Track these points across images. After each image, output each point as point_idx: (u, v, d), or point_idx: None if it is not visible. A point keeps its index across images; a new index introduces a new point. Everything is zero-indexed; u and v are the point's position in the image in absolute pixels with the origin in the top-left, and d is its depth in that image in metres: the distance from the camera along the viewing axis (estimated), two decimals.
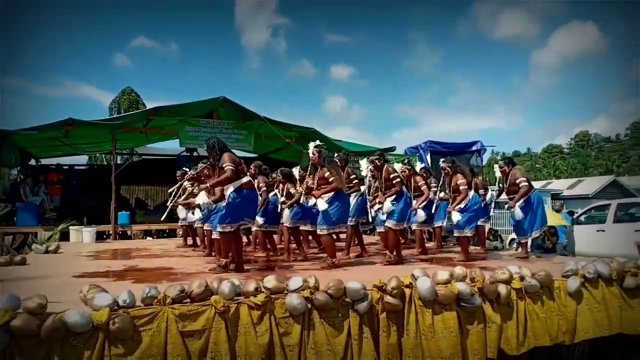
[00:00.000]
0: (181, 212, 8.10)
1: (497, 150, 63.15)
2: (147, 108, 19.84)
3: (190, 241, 8.53)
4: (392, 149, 13.99)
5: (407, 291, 3.77)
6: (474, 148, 14.66)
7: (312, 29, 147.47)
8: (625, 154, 65.53)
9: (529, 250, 6.89)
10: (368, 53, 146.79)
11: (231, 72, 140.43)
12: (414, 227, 7.22)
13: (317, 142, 5.78)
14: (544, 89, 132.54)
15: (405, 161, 13.47)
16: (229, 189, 5.00)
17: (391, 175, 5.94)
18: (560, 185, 31.87)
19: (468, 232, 6.21)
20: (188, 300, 3.27)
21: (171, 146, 14.68)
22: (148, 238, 11.53)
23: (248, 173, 5.29)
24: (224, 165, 4.93)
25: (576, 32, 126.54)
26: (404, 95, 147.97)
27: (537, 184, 31.18)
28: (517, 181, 6.50)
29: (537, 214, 6.46)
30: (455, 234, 6.48)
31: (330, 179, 5.43)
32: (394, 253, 5.87)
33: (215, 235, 5.61)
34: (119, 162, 14.49)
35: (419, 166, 8.07)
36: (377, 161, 6.08)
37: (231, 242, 5.13)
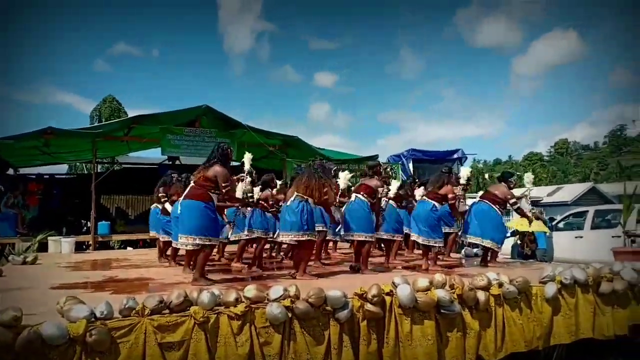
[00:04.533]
0: None
1: (478, 157, 64.04)
2: (128, 116, 19.73)
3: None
4: (375, 157, 14.06)
5: (388, 299, 3.79)
6: (455, 156, 14.87)
7: (297, 35, 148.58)
8: (604, 161, 66.85)
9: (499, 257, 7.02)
10: (352, 59, 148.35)
11: (214, 78, 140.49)
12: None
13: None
14: (525, 96, 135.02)
15: (388, 169, 13.64)
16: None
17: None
18: (540, 192, 32.31)
19: (436, 242, 6.28)
20: (167, 311, 3.25)
21: (153, 155, 14.60)
22: (129, 248, 11.39)
23: None
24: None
25: (557, 39, 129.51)
26: (388, 101, 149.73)
27: (517, 191, 31.54)
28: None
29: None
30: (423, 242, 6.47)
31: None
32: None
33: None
34: (99, 171, 14.33)
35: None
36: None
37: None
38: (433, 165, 14.50)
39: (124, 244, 12.62)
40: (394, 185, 7.45)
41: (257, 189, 6.46)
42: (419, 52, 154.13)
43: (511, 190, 6.65)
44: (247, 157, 6.17)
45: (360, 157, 13.79)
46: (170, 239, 6.95)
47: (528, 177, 7.48)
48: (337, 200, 6.06)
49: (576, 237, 10.08)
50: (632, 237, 7.86)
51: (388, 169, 13.47)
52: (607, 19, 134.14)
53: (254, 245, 6.57)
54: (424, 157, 14.77)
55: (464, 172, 7.53)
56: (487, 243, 6.52)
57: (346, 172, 6.40)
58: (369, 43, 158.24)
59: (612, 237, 8.76)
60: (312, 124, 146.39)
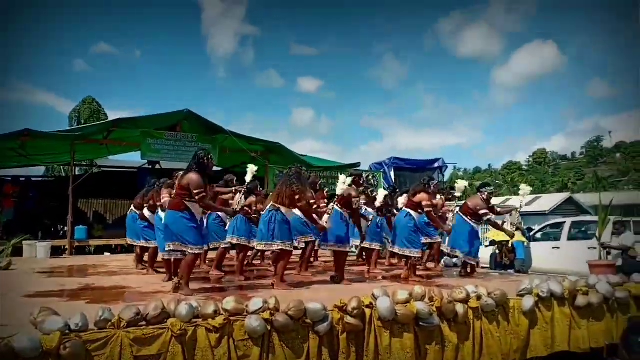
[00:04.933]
0: None
1: (458, 166, 64.76)
2: (108, 119, 19.43)
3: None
4: (357, 164, 14.13)
5: (368, 311, 3.79)
6: (436, 165, 15.01)
7: (281, 40, 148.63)
8: (581, 171, 68.20)
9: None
10: (335, 66, 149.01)
11: (196, 81, 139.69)
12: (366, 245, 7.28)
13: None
14: (504, 106, 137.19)
15: (370, 177, 13.69)
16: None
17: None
18: (518, 201, 32.75)
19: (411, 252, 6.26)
20: (144, 323, 3.19)
21: (133, 158, 14.40)
22: (106, 254, 11.19)
23: None
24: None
25: (536, 51, 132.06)
26: (371, 108, 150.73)
27: (496, 201, 32.03)
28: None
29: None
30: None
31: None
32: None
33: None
34: (78, 173, 14.09)
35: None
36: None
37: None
38: (414, 174, 14.62)
39: (100, 249, 12.40)
40: (381, 194, 7.46)
41: (237, 196, 6.40)
42: (400, 60, 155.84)
43: (484, 201, 6.61)
44: (251, 169, 6.06)
45: (343, 165, 13.83)
46: (147, 245, 6.88)
47: (524, 189, 7.34)
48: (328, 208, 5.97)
49: (553, 248, 10.24)
50: (607, 249, 8.01)
51: (370, 177, 13.60)
52: (585, 32, 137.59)
53: (238, 253, 6.53)
54: (405, 166, 14.87)
55: (460, 184, 7.54)
56: (458, 254, 6.55)
57: (343, 176, 6.11)
58: (352, 50, 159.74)
59: (588, 248, 8.91)
60: (295, 129, 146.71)
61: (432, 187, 6.34)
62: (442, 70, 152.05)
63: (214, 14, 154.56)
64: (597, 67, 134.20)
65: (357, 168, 13.84)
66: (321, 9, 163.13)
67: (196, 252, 4.87)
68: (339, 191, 5.96)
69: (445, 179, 16.67)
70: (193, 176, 4.82)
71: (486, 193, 6.65)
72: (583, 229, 10.66)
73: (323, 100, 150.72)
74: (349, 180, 6.06)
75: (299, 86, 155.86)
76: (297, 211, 5.74)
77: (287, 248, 5.28)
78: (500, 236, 9.28)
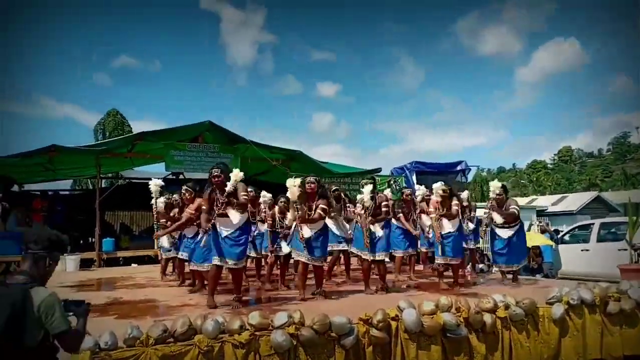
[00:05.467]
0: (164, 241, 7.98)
1: (482, 167, 63.96)
2: (132, 130, 19.75)
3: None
4: (378, 170, 14.06)
5: (393, 324, 3.77)
6: (458, 168, 14.81)
7: (298, 46, 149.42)
8: (608, 168, 66.72)
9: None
10: (354, 70, 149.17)
11: (217, 89, 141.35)
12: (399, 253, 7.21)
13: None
14: (527, 104, 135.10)
15: (392, 182, 13.59)
16: (239, 222, 4.92)
17: (382, 203, 5.88)
18: (544, 201, 32.19)
19: (456, 260, 6.21)
20: (171, 339, 3.23)
21: (157, 169, 14.61)
22: (133, 265, 11.36)
23: None
24: (241, 196, 4.85)
25: (558, 48, 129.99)
26: (390, 111, 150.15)
27: (522, 201, 31.53)
28: (510, 208, 6.56)
29: (525, 243, 6.55)
30: (444, 261, 6.39)
31: (321, 210, 5.34)
32: (384, 282, 5.90)
33: (198, 267, 5.72)
34: (104, 186, 14.36)
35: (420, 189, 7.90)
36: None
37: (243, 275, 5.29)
38: (436, 177, 14.43)
39: (129, 260, 12.58)
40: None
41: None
42: (418, 62, 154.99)
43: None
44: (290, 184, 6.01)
45: (364, 170, 13.77)
46: (172, 256, 7.00)
47: (493, 185, 6.92)
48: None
49: (582, 250, 10.00)
50: (638, 251, 7.79)
51: (392, 182, 13.51)
52: (606, 28, 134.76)
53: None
54: (427, 170, 14.68)
55: (464, 195, 7.55)
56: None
57: (368, 185, 5.85)
58: (369, 53, 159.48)
59: (619, 250, 8.67)
60: (315, 134, 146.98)
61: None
62: (461, 70, 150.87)
63: (233, 23, 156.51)
64: (620, 63, 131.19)
65: (379, 174, 13.77)
66: (336, 14, 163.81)
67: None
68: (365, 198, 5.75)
69: (468, 181, 16.45)
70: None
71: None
72: (612, 230, 10.38)
73: (342, 105, 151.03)
74: (369, 187, 5.88)
75: (317, 91, 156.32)
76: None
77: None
78: (531, 240, 9.13)
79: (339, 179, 12.83)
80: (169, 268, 8.00)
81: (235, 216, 4.87)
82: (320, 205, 5.31)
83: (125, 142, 11.85)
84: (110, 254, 11.19)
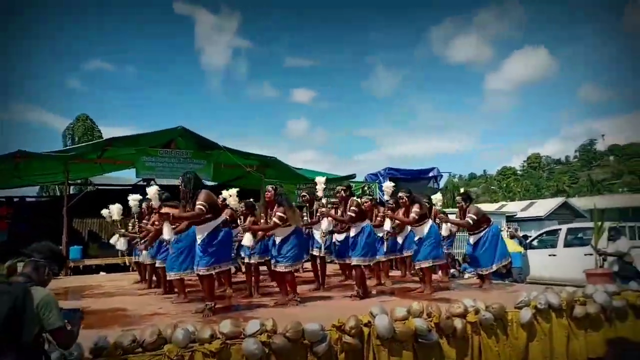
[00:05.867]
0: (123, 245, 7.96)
1: (454, 173, 64.98)
2: (102, 136, 19.35)
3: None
4: (353, 176, 14.14)
5: (366, 330, 3.78)
6: (430, 174, 15.02)
7: (274, 52, 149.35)
8: (575, 175, 68.59)
9: (491, 280, 6.95)
10: (328, 76, 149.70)
11: (190, 94, 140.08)
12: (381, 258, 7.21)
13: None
14: (497, 111, 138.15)
15: (366, 189, 13.67)
16: (205, 230, 4.87)
17: (351, 208, 5.90)
18: (514, 207, 32.87)
19: (429, 263, 6.22)
20: (140, 349, 3.17)
21: (128, 175, 14.35)
22: (102, 273, 11.10)
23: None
24: (196, 203, 4.79)
25: (528, 56, 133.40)
26: (365, 117, 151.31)
27: (492, 207, 32.12)
28: (468, 215, 6.66)
29: (497, 248, 6.62)
30: (417, 266, 6.46)
31: (277, 218, 5.31)
32: (361, 288, 5.85)
33: (173, 276, 5.57)
34: (72, 192, 14.02)
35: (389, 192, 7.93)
36: (342, 192, 6.11)
37: (214, 283, 5.16)
38: (409, 184, 14.60)
39: (103, 268, 12.27)
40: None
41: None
42: (393, 69, 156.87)
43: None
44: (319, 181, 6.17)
45: (338, 177, 13.81)
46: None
47: (435, 198, 7.47)
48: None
49: (550, 255, 10.24)
50: (603, 256, 8.01)
51: (366, 189, 13.60)
52: (576, 37, 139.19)
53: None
54: (400, 176, 14.84)
55: (437, 196, 7.72)
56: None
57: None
58: (344, 60, 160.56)
59: (585, 254, 8.90)
60: (290, 140, 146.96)
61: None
62: (435, 78, 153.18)
63: (207, 27, 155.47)
64: (588, 72, 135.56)
65: (353, 180, 13.84)
66: (311, 20, 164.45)
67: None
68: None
69: (440, 187, 16.67)
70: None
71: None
72: (579, 235, 10.67)
73: (317, 111, 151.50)
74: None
75: (292, 97, 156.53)
76: None
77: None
78: None
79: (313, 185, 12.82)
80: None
81: (199, 225, 4.89)
82: (277, 213, 5.30)
83: (94, 147, 11.62)
84: (77, 262, 10.92)
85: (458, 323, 4.12)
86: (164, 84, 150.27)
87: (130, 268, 8.66)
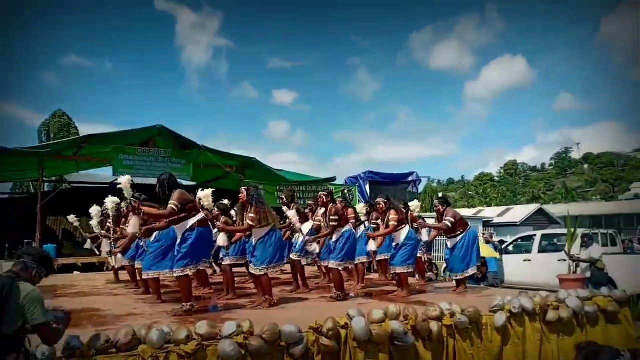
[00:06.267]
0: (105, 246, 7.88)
1: (433, 178, 65.66)
2: (79, 133, 19.00)
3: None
4: (333, 179, 14.16)
5: (343, 332, 3.79)
6: (410, 179, 15.15)
7: (255, 53, 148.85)
8: (550, 182, 70.04)
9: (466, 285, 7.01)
10: (310, 79, 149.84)
11: (170, 92, 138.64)
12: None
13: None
14: (476, 118, 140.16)
15: (346, 192, 13.71)
16: (181, 230, 4.82)
17: (331, 217, 5.97)
18: (491, 212, 33.40)
19: (405, 269, 6.24)
20: (114, 350, 3.12)
21: (105, 172, 14.13)
22: (76, 272, 10.89)
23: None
24: (169, 203, 4.76)
25: (506, 65, 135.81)
26: (346, 121, 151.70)
27: (469, 212, 32.54)
28: (445, 218, 6.74)
29: (473, 252, 6.70)
30: (392, 271, 6.51)
31: (249, 219, 5.27)
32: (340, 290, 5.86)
33: (151, 275, 5.51)
34: (47, 189, 13.72)
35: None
36: (324, 197, 6.15)
37: (191, 284, 5.05)
38: (389, 187, 14.73)
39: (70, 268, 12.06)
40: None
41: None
42: (375, 74, 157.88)
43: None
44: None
45: (318, 179, 13.84)
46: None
47: (413, 205, 7.78)
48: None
49: (525, 260, 10.42)
50: (576, 262, 8.19)
51: (346, 192, 13.64)
52: (553, 48, 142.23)
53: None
54: (380, 180, 14.96)
55: (415, 203, 7.83)
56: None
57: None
58: (326, 63, 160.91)
59: (558, 260, 9.08)
60: (270, 141, 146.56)
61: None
62: (415, 83, 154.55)
63: (188, 25, 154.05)
64: (564, 82, 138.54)
65: (333, 183, 13.88)
66: (293, 22, 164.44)
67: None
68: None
69: (419, 191, 16.83)
70: None
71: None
72: (553, 241, 10.89)
73: (298, 113, 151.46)
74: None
75: (274, 98, 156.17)
76: None
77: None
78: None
79: (294, 187, 12.82)
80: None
81: (176, 225, 4.87)
82: (250, 215, 5.27)
83: (71, 144, 11.39)
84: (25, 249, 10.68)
85: (434, 326, 4.16)
86: (143, 81, 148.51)
87: (106, 267, 8.56)
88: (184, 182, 13.86)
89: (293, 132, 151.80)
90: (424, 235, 7.52)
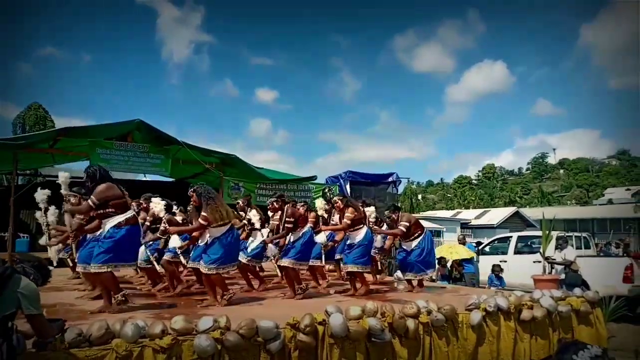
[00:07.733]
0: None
1: (413, 179, 66.20)
2: (55, 126, 18.63)
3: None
4: (314, 177, 14.15)
5: (320, 328, 3.78)
6: (390, 179, 15.22)
7: (237, 50, 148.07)
8: (527, 186, 71.24)
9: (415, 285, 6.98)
10: (293, 78, 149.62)
11: (150, 87, 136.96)
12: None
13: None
14: (456, 122, 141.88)
15: (327, 191, 13.72)
16: (106, 225, 4.66)
17: (287, 219, 6.05)
18: (468, 214, 33.82)
19: (357, 268, 6.20)
20: (86, 344, 3.05)
21: (81, 167, 13.88)
22: (50, 267, 10.66)
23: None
24: (89, 198, 4.60)
25: (486, 70, 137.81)
26: (327, 120, 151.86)
27: (448, 213, 32.91)
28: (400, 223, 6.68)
29: (433, 254, 6.73)
30: (348, 269, 6.38)
31: (202, 218, 5.18)
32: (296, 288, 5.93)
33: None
34: (20, 183, 13.41)
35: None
36: (274, 203, 6.24)
37: (115, 278, 4.82)
38: (369, 187, 14.79)
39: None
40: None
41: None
42: (356, 75, 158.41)
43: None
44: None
45: (299, 178, 13.82)
46: None
47: (369, 210, 7.63)
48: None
49: (501, 261, 10.57)
50: (551, 263, 8.35)
51: (327, 191, 13.64)
52: (531, 54, 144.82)
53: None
54: (360, 180, 14.99)
55: (371, 208, 7.85)
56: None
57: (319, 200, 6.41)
58: (309, 63, 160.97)
59: (534, 262, 9.26)
60: (251, 139, 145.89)
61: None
62: (397, 86, 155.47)
63: (170, 19, 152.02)
64: (542, 88, 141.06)
65: (314, 182, 13.87)
66: (276, 20, 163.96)
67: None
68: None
69: (399, 192, 16.92)
70: None
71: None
72: (529, 243, 11.08)
73: (280, 112, 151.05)
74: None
75: (255, 96, 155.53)
76: None
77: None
78: (454, 255, 9.55)
79: (274, 186, 12.79)
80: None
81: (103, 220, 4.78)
82: (202, 214, 5.20)
83: (46, 137, 11.13)
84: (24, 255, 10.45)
85: (411, 323, 4.18)
86: (122, 75, 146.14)
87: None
88: (162, 179, 13.77)
89: (275, 131, 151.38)
90: (378, 242, 7.48)
